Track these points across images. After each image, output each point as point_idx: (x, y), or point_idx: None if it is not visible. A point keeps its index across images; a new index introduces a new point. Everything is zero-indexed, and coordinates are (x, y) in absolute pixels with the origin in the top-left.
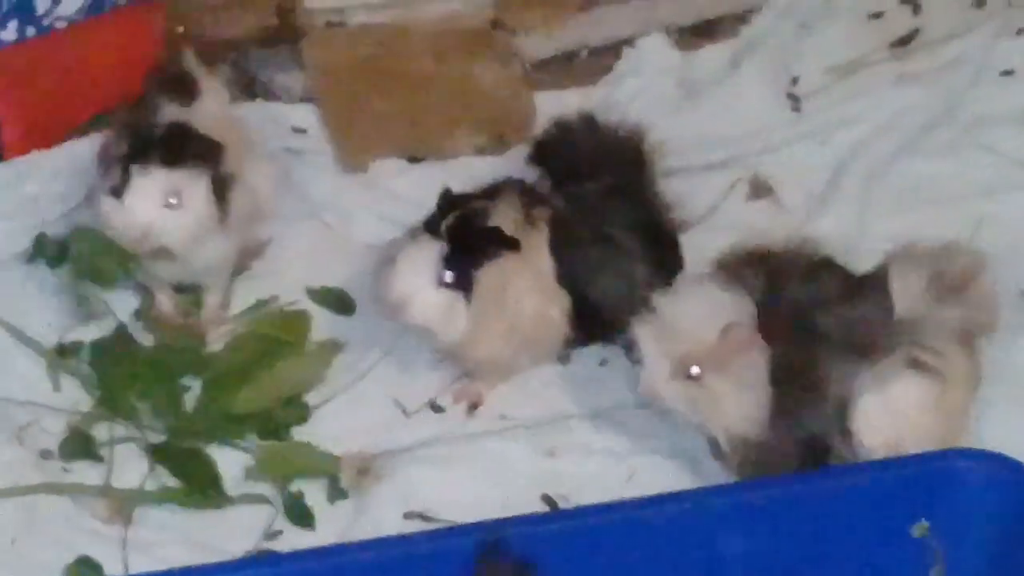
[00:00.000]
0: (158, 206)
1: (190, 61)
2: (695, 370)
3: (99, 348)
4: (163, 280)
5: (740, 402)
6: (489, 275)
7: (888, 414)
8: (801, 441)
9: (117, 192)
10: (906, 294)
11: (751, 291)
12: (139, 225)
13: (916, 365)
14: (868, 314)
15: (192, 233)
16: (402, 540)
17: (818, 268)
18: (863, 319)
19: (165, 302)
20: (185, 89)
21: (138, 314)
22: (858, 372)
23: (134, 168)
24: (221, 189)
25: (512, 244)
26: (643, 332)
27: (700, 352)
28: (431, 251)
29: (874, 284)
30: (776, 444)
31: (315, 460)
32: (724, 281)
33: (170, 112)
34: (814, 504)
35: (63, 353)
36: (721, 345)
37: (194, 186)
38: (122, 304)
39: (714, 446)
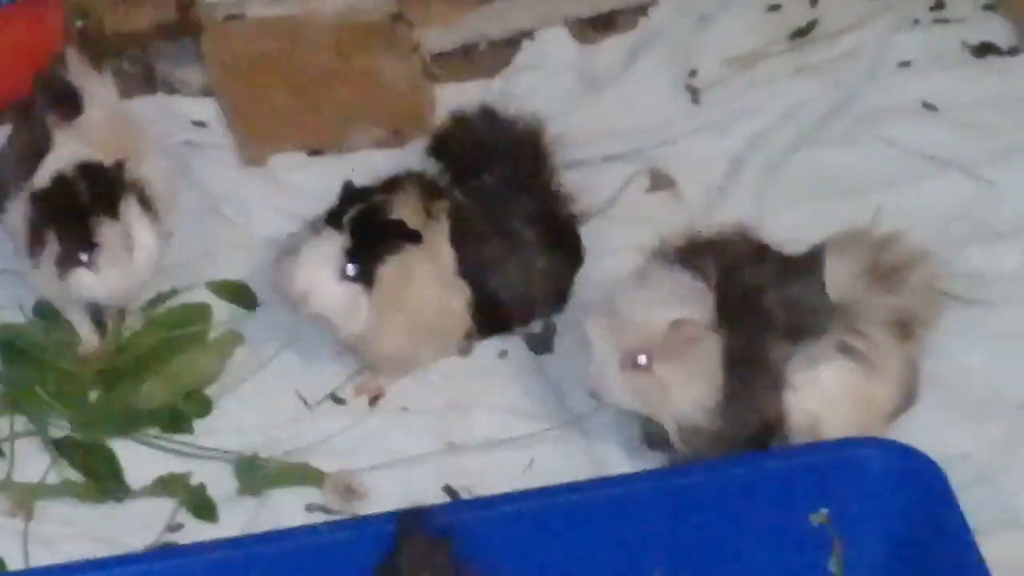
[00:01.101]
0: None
1: (75, 64)
2: (642, 359)
3: (1, 343)
4: (81, 308)
5: (692, 391)
6: (391, 268)
7: (812, 396)
8: (753, 426)
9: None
10: (840, 278)
11: (706, 279)
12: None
13: (844, 349)
14: (803, 295)
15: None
16: (308, 530)
17: (759, 253)
18: (798, 301)
19: (90, 339)
20: (69, 103)
21: (39, 310)
22: (793, 356)
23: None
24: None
25: (414, 237)
26: (591, 324)
27: (651, 342)
28: (333, 244)
29: (808, 266)
30: (727, 432)
31: (298, 478)
32: (680, 268)
33: (54, 128)
34: (716, 492)
35: None
36: (673, 336)
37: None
38: (23, 288)
39: (649, 436)
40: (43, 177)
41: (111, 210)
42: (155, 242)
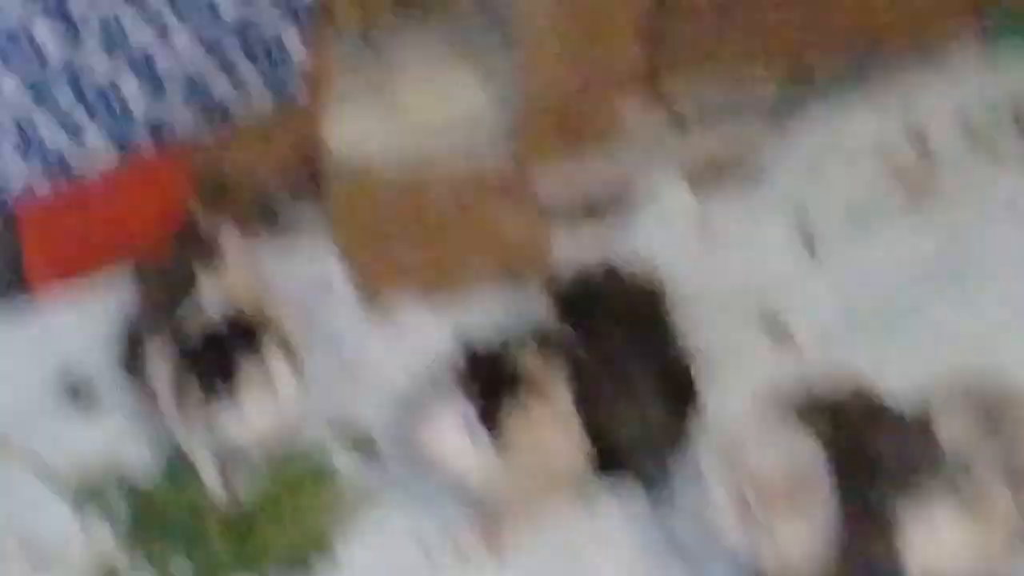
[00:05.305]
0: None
1: (207, 220)
2: (758, 507)
3: (131, 498)
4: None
5: (801, 543)
6: (518, 425)
7: (930, 543)
8: None
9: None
10: (952, 431)
11: (819, 434)
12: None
13: (958, 498)
14: (916, 451)
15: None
16: None
17: (873, 408)
18: (912, 456)
19: (215, 483)
20: (209, 252)
21: (170, 465)
22: (909, 507)
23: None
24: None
25: (539, 393)
26: (710, 468)
27: (767, 490)
28: (462, 407)
29: (922, 421)
30: None
31: None
32: (795, 422)
33: (200, 271)
34: None
35: (92, 496)
36: (789, 487)
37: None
38: (151, 442)
39: None
40: (192, 325)
41: (252, 347)
42: (295, 378)
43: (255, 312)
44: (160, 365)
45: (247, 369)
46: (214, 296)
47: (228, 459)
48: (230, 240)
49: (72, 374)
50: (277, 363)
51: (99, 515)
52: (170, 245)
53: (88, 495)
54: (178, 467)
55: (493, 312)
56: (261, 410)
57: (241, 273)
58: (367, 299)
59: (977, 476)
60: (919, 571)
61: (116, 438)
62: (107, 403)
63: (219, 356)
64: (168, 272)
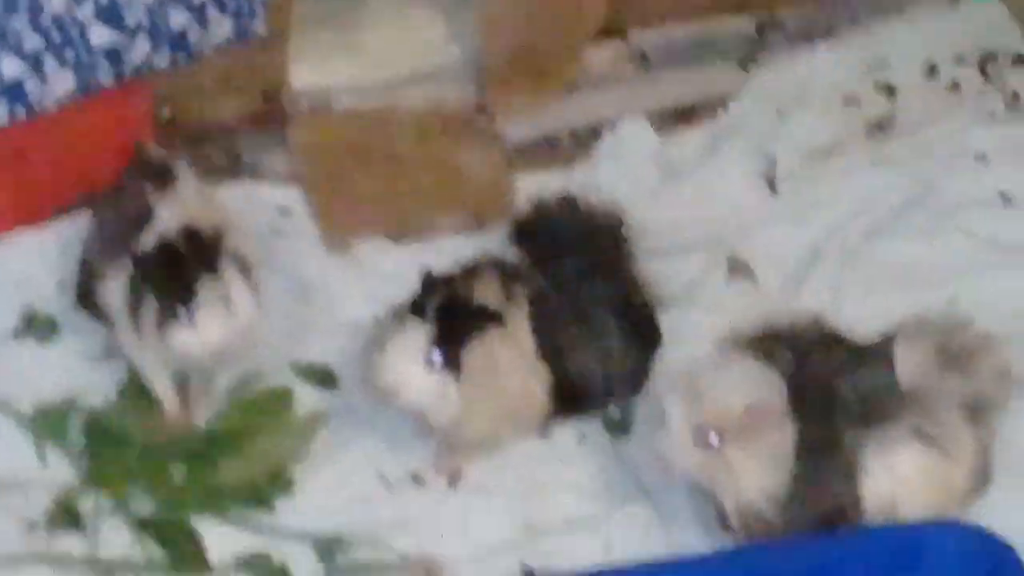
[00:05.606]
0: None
1: (157, 149)
2: (714, 438)
3: (88, 426)
4: (162, 373)
5: (760, 477)
6: (476, 354)
7: (889, 479)
8: (824, 513)
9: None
10: (911, 365)
11: (781, 367)
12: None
13: (918, 433)
14: (875, 383)
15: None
16: None
17: (832, 342)
18: (870, 388)
19: (171, 404)
20: (165, 176)
21: (123, 391)
22: (867, 441)
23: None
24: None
25: (497, 320)
26: (670, 396)
27: (725, 422)
28: (419, 334)
29: (880, 354)
30: (791, 521)
31: (383, 563)
32: (755, 356)
33: (154, 199)
34: (791, 572)
35: (50, 427)
36: (747, 418)
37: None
38: (110, 374)
39: (722, 516)
40: (147, 242)
41: (210, 267)
42: (253, 301)
43: (214, 230)
44: (116, 289)
45: (204, 283)
46: (171, 224)
47: (185, 381)
48: (184, 168)
49: (31, 308)
50: (235, 280)
51: (57, 447)
52: (122, 175)
53: (46, 427)
54: (136, 398)
55: (455, 252)
56: (218, 324)
57: (197, 199)
58: (328, 234)
59: (937, 411)
60: (878, 506)
61: (74, 370)
62: (66, 335)
63: (176, 270)
64: (121, 202)
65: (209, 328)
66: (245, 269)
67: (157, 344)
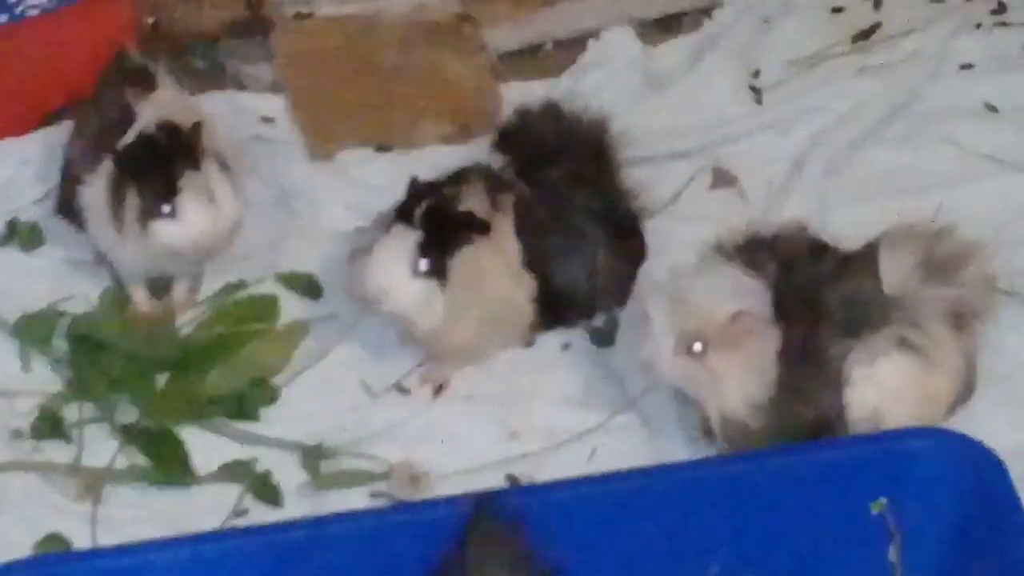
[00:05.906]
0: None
1: (138, 56)
2: (697, 346)
3: (71, 332)
4: (139, 275)
5: (743, 385)
6: (462, 261)
7: (873, 390)
8: (808, 422)
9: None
10: (896, 273)
11: (766, 275)
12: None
13: (902, 342)
14: (859, 291)
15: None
16: (375, 513)
17: (817, 250)
18: (855, 296)
19: (142, 302)
20: (146, 79)
21: (105, 297)
22: (851, 351)
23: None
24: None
25: (483, 228)
26: (654, 303)
27: (708, 330)
28: (405, 240)
29: (864, 263)
30: (774, 430)
31: (364, 477)
32: (739, 264)
33: (135, 102)
34: (776, 480)
35: (34, 334)
36: (731, 327)
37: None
38: (94, 282)
39: (707, 426)
40: (128, 140)
41: (192, 162)
42: (236, 199)
43: (195, 127)
44: (97, 190)
45: (187, 177)
46: (151, 123)
47: (166, 280)
48: (164, 73)
49: (15, 216)
50: (217, 177)
51: (42, 355)
52: (101, 80)
53: (31, 334)
54: (119, 305)
55: (440, 161)
56: (202, 217)
57: (178, 102)
58: (312, 143)
59: (922, 320)
60: (862, 416)
61: (59, 277)
62: (50, 243)
63: (158, 165)
64: (102, 107)
65: (193, 220)
66: (226, 169)
67: (139, 241)
